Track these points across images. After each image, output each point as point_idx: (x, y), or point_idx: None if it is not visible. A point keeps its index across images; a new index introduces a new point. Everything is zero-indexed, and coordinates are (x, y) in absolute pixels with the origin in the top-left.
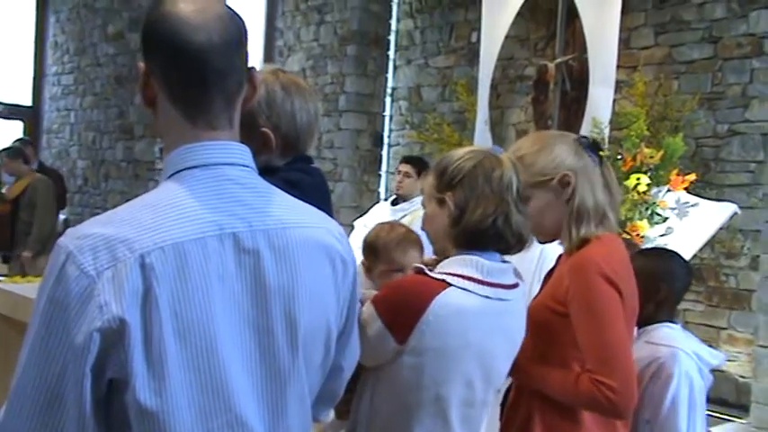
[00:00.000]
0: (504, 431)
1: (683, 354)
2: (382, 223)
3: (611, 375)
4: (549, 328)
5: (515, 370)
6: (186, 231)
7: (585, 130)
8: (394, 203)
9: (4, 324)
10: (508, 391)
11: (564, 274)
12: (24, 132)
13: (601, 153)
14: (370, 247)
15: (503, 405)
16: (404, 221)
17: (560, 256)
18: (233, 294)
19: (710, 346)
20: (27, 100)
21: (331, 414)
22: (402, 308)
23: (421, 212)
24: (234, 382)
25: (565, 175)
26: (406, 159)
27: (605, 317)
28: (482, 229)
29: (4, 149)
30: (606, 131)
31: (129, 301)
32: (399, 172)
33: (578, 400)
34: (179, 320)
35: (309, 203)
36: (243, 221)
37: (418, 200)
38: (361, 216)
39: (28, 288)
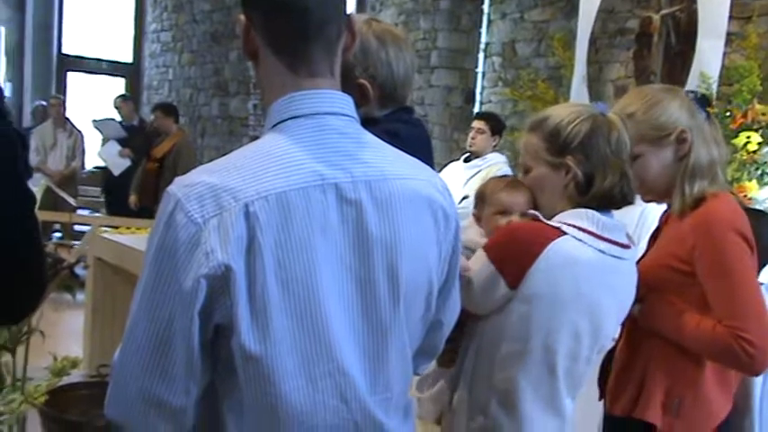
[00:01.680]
0: (614, 395)
1: None
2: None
3: (748, 330)
4: (671, 287)
5: (642, 312)
6: (289, 181)
7: (692, 85)
8: (467, 160)
9: (111, 272)
10: (603, 368)
11: (686, 232)
12: (126, 89)
13: (708, 109)
14: (480, 195)
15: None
16: (477, 179)
17: (665, 216)
18: (335, 245)
19: None
20: (128, 57)
21: (432, 363)
22: (515, 252)
23: (495, 169)
24: (335, 332)
25: (682, 131)
26: (480, 115)
27: (739, 272)
28: (612, 194)
29: (121, 96)
30: (714, 87)
31: (234, 249)
32: (472, 128)
33: (712, 347)
34: (282, 269)
35: (411, 155)
36: (345, 172)
37: (491, 156)
38: None
39: (133, 239)
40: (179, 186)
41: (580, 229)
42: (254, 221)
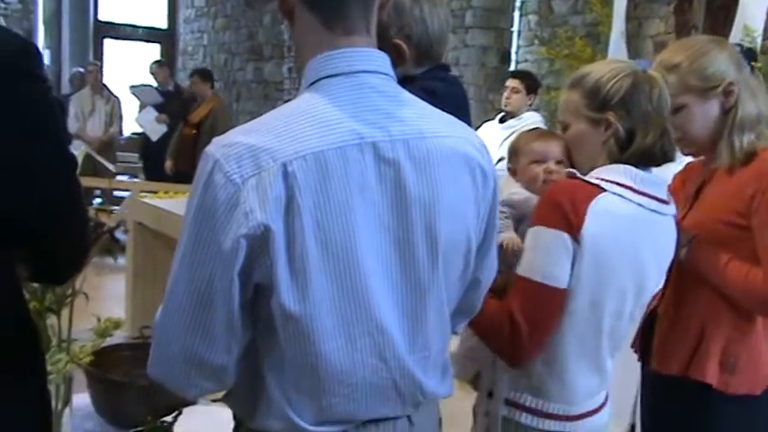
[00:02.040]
0: (664, 354)
1: None
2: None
3: None
4: (725, 242)
5: (689, 255)
6: (326, 141)
7: (735, 39)
8: (502, 121)
9: (151, 236)
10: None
11: (744, 183)
12: (161, 55)
13: (753, 63)
14: (513, 148)
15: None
16: (512, 139)
17: (681, 174)
18: (373, 205)
19: None
20: (163, 23)
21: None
22: (565, 211)
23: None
24: (374, 291)
25: (730, 83)
26: (514, 74)
27: None
28: (653, 151)
29: (156, 62)
30: (759, 40)
31: (272, 209)
32: (507, 87)
33: (758, 299)
34: (321, 229)
35: (448, 113)
36: (382, 130)
37: (527, 116)
38: None
39: (171, 203)
40: (217, 147)
41: (618, 184)
42: (292, 181)
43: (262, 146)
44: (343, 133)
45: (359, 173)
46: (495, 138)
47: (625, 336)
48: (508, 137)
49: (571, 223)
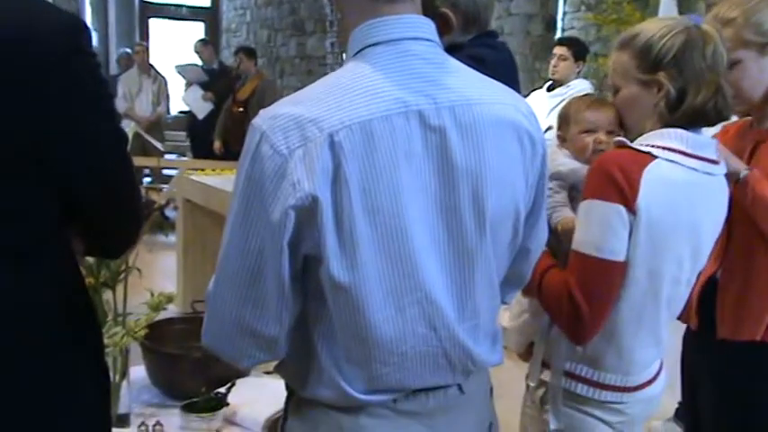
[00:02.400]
0: (732, 319)
1: None
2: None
3: None
4: None
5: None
6: (372, 110)
7: None
8: (550, 89)
9: (199, 213)
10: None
11: None
12: (205, 33)
13: None
14: (563, 115)
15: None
16: (561, 108)
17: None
18: (420, 173)
19: None
20: (206, 1)
21: (518, 294)
22: (619, 182)
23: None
24: (422, 261)
25: None
26: (562, 41)
27: None
28: (705, 110)
29: (201, 40)
30: None
31: (320, 179)
32: (554, 55)
33: None
34: (368, 198)
35: (496, 80)
36: (428, 98)
37: (575, 84)
38: None
39: (219, 180)
40: (263, 119)
41: (670, 149)
42: (338, 151)
43: (308, 116)
44: (389, 102)
45: (405, 141)
46: (543, 106)
47: (682, 302)
48: (556, 106)
49: (625, 194)
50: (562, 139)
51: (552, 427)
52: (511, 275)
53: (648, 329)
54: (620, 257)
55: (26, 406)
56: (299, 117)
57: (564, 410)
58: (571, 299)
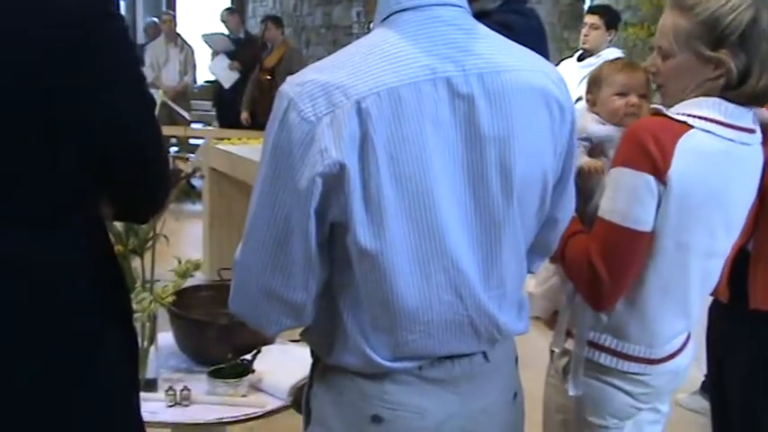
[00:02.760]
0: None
1: None
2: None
3: None
4: None
5: None
6: (400, 76)
7: None
8: (580, 59)
9: (226, 182)
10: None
11: None
12: (231, 2)
13: None
14: (594, 78)
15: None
16: None
17: None
18: (447, 141)
19: None
20: None
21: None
22: (651, 150)
23: None
24: (449, 228)
25: None
26: (593, 9)
27: None
28: (764, 93)
29: (227, 9)
30: None
31: (347, 147)
32: (585, 24)
33: None
34: (395, 165)
35: (525, 47)
36: (456, 65)
37: (606, 53)
38: None
39: (245, 149)
40: (291, 85)
41: (706, 119)
42: (366, 118)
43: (335, 83)
44: (417, 68)
45: (432, 108)
46: (573, 76)
47: (717, 274)
48: (587, 76)
49: (657, 164)
50: (592, 103)
51: (570, 393)
52: (538, 244)
53: (675, 301)
54: (646, 228)
55: (53, 366)
56: (326, 84)
57: (584, 379)
58: (591, 266)
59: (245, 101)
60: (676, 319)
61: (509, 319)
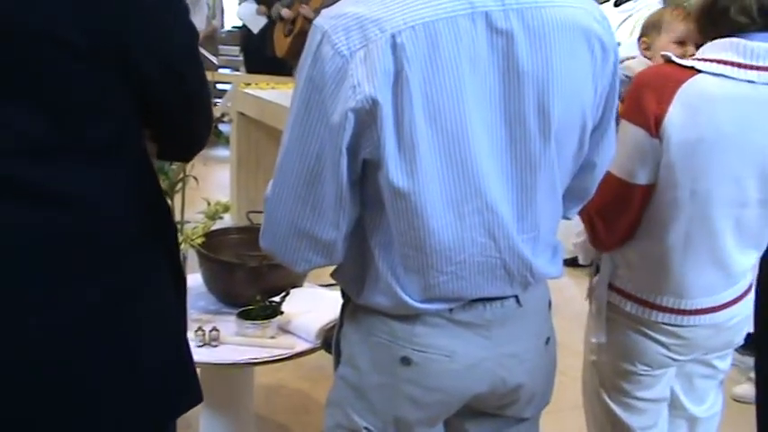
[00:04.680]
0: None
1: None
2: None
3: None
4: None
5: None
6: (437, 10)
7: None
8: (617, 4)
9: (253, 127)
10: None
11: None
12: None
13: None
14: (654, 23)
15: None
16: (628, 24)
17: None
18: (484, 78)
19: None
20: None
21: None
22: (648, 102)
23: (646, 13)
24: (483, 168)
25: None
26: None
27: None
28: None
29: None
30: None
31: (380, 82)
32: None
33: None
34: (429, 102)
35: None
36: None
37: None
38: None
39: (273, 94)
40: (325, 18)
41: (720, 62)
42: (400, 53)
43: (370, 16)
44: (454, 2)
45: (470, 44)
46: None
47: (758, 226)
48: (623, 21)
49: (648, 118)
50: (646, 47)
51: (593, 339)
52: (575, 189)
53: (703, 252)
54: (639, 181)
55: (109, 294)
56: (361, 17)
57: (609, 325)
58: (587, 211)
59: (271, 47)
60: (708, 270)
61: (543, 263)
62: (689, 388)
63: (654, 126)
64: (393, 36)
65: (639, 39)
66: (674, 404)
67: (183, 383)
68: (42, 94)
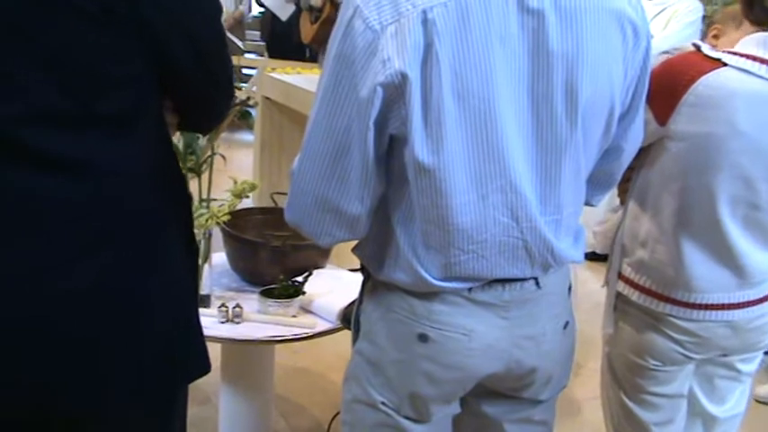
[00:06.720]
0: None
1: None
2: None
3: None
4: None
5: None
6: None
7: None
8: None
9: (278, 111)
10: None
11: None
12: None
13: None
14: (734, 14)
15: None
16: (662, 17)
17: None
18: (513, 57)
19: None
20: None
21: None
22: (664, 87)
23: (683, 7)
24: (509, 147)
25: None
26: None
27: None
28: None
29: None
30: None
31: (410, 57)
32: None
33: None
34: (458, 79)
35: None
36: None
37: None
38: None
39: (298, 78)
40: None
41: (748, 57)
42: (431, 28)
43: None
44: None
45: (500, 22)
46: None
47: None
48: (657, 14)
49: (660, 107)
50: (716, 35)
51: (602, 330)
52: (600, 174)
53: (712, 248)
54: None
55: (122, 260)
56: None
57: (621, 317)
58: None
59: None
60: (717, 265)
61: (564, 246)
62: (709, 388)
63: (662, 114)
64: (424, 11)
65: (706, 23)
66: (692, 402)
67: (193, 350)
68: (58, 62)
